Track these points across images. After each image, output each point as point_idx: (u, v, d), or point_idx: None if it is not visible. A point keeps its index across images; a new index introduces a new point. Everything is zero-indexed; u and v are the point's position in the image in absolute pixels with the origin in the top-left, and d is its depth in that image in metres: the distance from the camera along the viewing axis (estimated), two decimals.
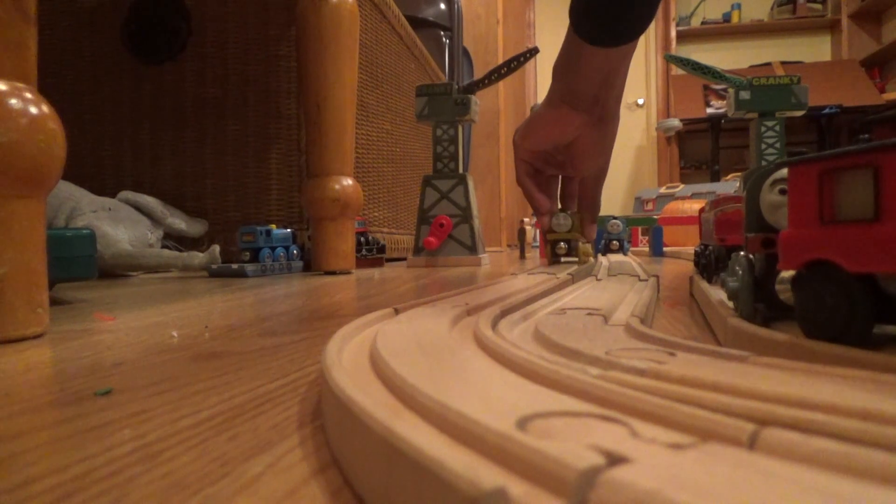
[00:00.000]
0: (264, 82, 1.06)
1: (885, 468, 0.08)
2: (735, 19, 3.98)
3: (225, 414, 0.17)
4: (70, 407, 0.18)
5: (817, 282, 0.18)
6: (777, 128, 1.10)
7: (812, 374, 0.14)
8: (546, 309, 0.30)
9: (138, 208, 0.93)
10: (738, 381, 0.12)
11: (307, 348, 0.27)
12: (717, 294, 0.32)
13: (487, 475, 0.07)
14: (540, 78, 4.06)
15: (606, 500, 0.07)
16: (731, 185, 2.43)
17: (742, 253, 0.25)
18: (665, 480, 0.07)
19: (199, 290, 0.61)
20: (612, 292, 0.36)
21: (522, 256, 1.52)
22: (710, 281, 0.40)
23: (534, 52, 1.09)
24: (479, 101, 1.14)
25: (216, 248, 0.84)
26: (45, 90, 0.33)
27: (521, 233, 1.60)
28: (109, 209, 0.88)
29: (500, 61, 1.39)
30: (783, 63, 3.63)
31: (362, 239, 1.05)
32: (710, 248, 0.43)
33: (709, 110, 3.41)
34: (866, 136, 0.18)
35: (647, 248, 1.47)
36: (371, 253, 1.07)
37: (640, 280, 0.45)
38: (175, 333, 0.32)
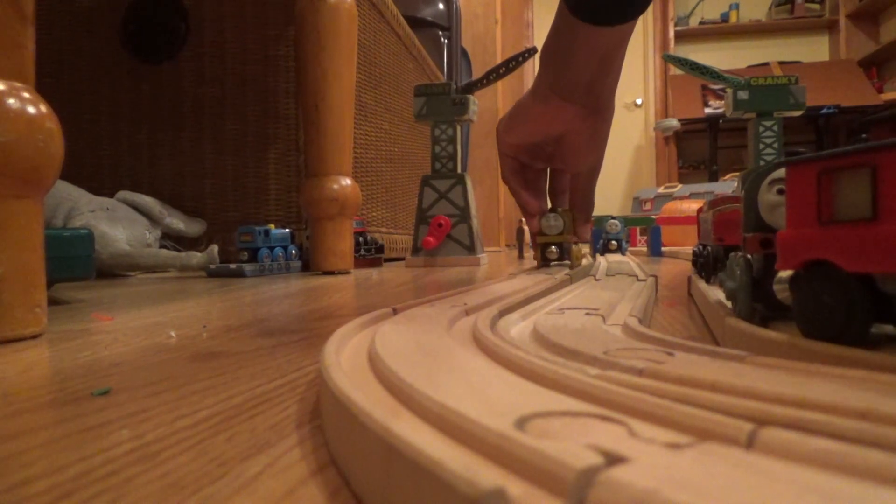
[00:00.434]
0: (263, 82, 1.06)
1: (883, 468, 0.08)
2: (733, 19, 3.99)
3: (223, 414, 0.17)
4: (68, 407, 0.18)
5: (815, 281, 0.18)
6: (775, 128, 1.10)
7: (810, 373, 0.14)
8: (544, 309, 0.30)
9: (136, 208, 0.93)
10: (737, 380, 0.12)
11: (305, 348, 0.27)
12: (716, 294, 0.32)
13: (486, 475, 0.07)
14: None
15: (605, 499, 0.07)
16: (729, 184, 2.44)
17: (740, 253, 0.25)
18: (663, 480, 0.07)
19: (197, 290, 0.61)
20: (611, 292, 0.36)
21: (521, 256, 1.52)
22: (708, 281, 0.40)
23: (532, 52, 1.09)
24: (477, 100, 1.14)
25: (214, 248, 0.83)
26: (43, 90, 0.33)
27: (520, 232, 1.60)
28: (107, 209, 0.88)
29: (499, 61, 1.39)
30: (781, 63, 3.63)
31: (361, 239, 1.05)
32: (709, 247, 0.43)
33: (707, 110, 3.41)
34: (864, 135, 0.18)
35: (645, 248, 1.47)
36: (369, 253, 1.07)
37: (639, 280, 0.45)
38: (173, 333, 0.32)
